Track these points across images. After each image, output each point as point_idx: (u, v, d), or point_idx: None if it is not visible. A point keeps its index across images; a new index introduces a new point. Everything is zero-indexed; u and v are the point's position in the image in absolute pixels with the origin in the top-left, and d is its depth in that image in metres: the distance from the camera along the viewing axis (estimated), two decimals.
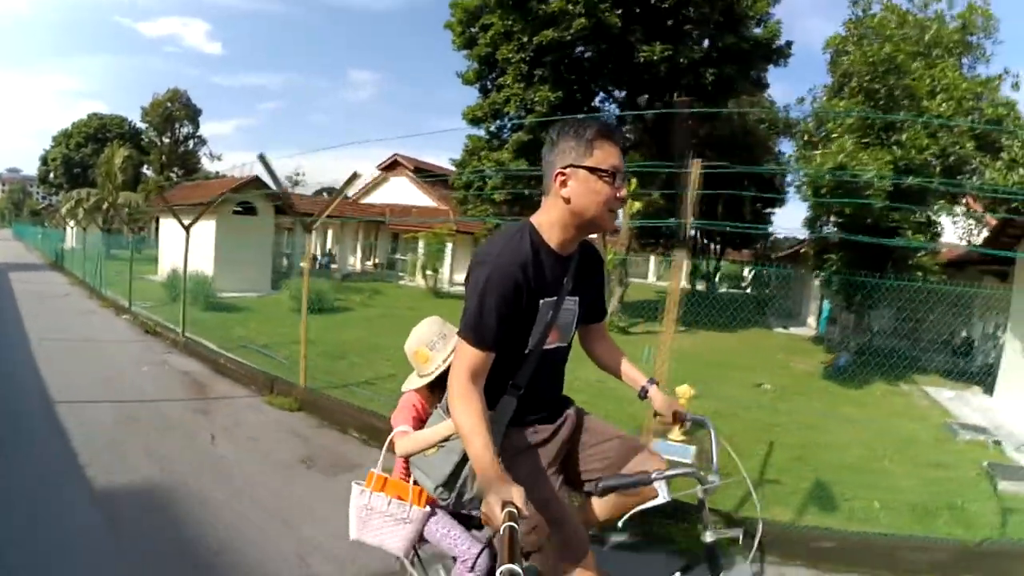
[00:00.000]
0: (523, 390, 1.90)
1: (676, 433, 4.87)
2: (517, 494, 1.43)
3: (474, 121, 14.63)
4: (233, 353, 7.96)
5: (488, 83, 14.87)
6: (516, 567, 1.14)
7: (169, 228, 18.57)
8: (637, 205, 12.20)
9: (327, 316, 12.14)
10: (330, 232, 31.54)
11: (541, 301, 1.82)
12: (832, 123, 9.78)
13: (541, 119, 11.97)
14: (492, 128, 14.62)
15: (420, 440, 2.04)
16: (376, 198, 31.23)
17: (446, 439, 1.96)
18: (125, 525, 3.45)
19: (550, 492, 1.87)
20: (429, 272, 21.55)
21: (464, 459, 1.91)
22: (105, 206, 29.29)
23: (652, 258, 36.47)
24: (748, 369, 10.58)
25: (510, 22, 13.28)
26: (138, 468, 4.25)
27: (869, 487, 4.75)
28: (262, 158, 5.65)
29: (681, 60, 12.96)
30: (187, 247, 9.38)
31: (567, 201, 1.78)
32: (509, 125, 14.11)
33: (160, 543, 3.28)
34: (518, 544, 1.24)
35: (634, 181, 11.48)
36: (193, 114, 51.73)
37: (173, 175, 48.51)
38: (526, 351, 1.87)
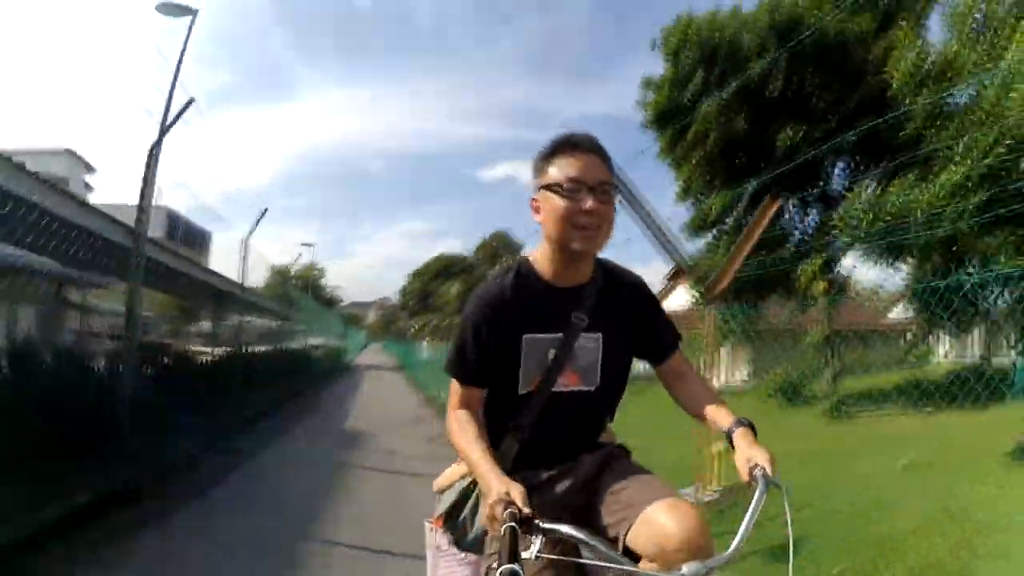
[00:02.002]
0: (526, 434, 1.75)
1: None
2: (518, 494, 1.31)
3: (695, 231, 16.79)
4: None
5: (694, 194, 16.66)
6: (516, 567, 1.08)
7: None
8: None
9: None
10: None
11: (524, 337, 1.67)
12: None
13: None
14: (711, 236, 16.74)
15: (447, 475, 1.99)
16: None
17: (463, 477, 1.90)
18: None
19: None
20: None
21: (462, 498, 1.87)
22: (445, 325, 36.78)
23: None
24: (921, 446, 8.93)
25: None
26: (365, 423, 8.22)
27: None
28: None
29: (817, 135, 13.22)
30: None
31: (543, 227, 1.65)
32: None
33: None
34: (519, 544, 1.16)
35: None
36: (516, 248, 60.67)
37: None
38: (522, 392, 1.73)
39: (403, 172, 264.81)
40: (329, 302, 55.68)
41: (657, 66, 16.28)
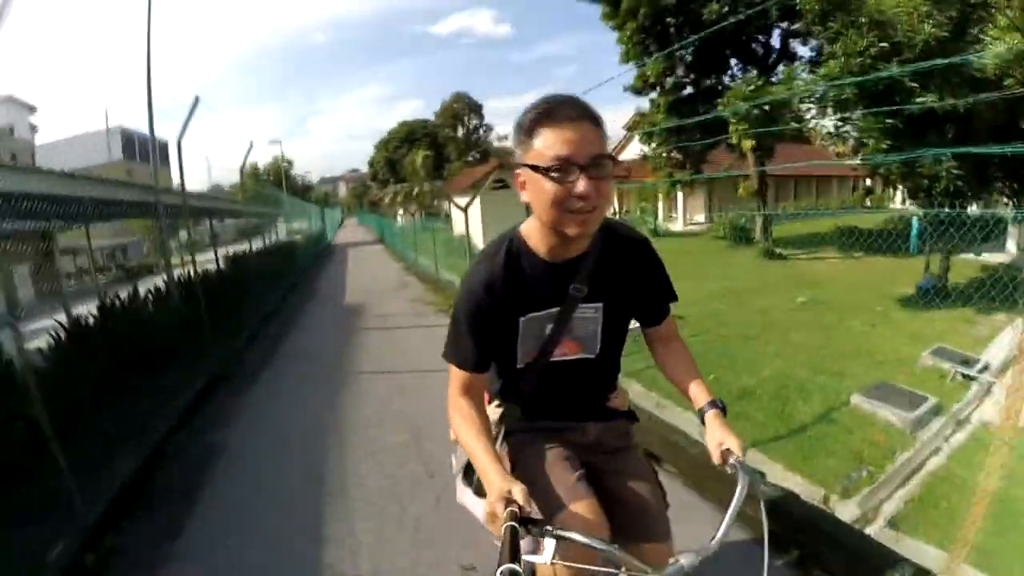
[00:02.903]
0: (527, 399, 1.79)
1: None
2: (519, 492, 1.31)
3: (636, 91, 18.11)
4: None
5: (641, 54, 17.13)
6: (516, 567, 1.09)
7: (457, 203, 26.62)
8: None
9: None
10: None
11: (521, 319, 1.64)
12: None
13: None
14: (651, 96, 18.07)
15: None
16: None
17: None
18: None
19: (553, 472, 1.68)
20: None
21: None
22: (415, 193, 37.92)
23: None
24: (829, 286, 11.35)
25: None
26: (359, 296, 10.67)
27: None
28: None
29: (740, 10, 13.90)
30: (465, 222, 15.20)
31: (531, 206, 1.52)
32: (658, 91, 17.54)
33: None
34: (519, 544, 1.16)
35: None
36: (476, 108, 60.60)
37: (471, 159, 57.03)
38: (519, 366, 1.73)
39: (350, 39, 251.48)
40: (303, 190, 56.13)
41: None
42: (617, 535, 1.62)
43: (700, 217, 26.84)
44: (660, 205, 28.12)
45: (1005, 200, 9.41)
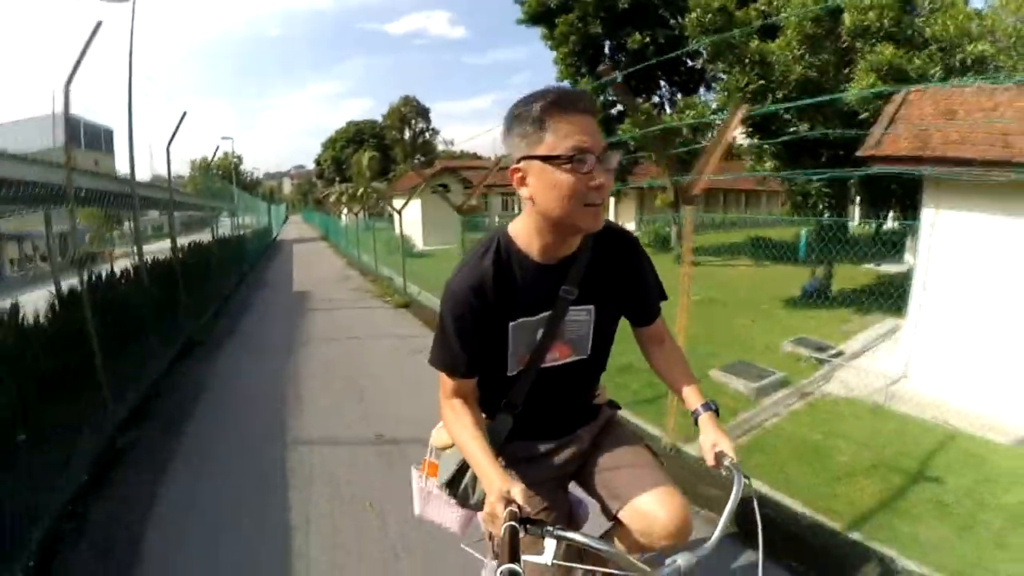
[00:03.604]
0: (520, 408, 1.72)
1: None
2: (519, 493, 1.30)
3: None
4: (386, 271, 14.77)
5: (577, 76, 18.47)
6: (516, 567, 1.09)
7: (397, 205, 27.82)
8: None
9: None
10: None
11: (511, 324, 1.58)
12: None
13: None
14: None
15: (445, 434, 1.92)
16: None
17: None
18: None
19: (542, 505, 1.73)
20: None
21: (464, 467, 1.82)
22: (360, 193, 38.61)
23: None
24: (728, 288, 12.58)
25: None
26: (306, 285, 12.16)
27: None
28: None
29: (660, 40, 15.88)
30: (401, 223, 16.95)
31: (533, 201, 1.45)
32: None
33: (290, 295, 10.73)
34: (519, 544, 1.16)
35: None
36: (424, 112, 61.65)
37: (416, 162, 57.66)
38: (511, 374, 1.67)
39: (303, 34, 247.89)
40: (251, 185, 56.02)
41: None
42: (628, 498, 1.70)
43: (631, 225, 28.42)
44: None
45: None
